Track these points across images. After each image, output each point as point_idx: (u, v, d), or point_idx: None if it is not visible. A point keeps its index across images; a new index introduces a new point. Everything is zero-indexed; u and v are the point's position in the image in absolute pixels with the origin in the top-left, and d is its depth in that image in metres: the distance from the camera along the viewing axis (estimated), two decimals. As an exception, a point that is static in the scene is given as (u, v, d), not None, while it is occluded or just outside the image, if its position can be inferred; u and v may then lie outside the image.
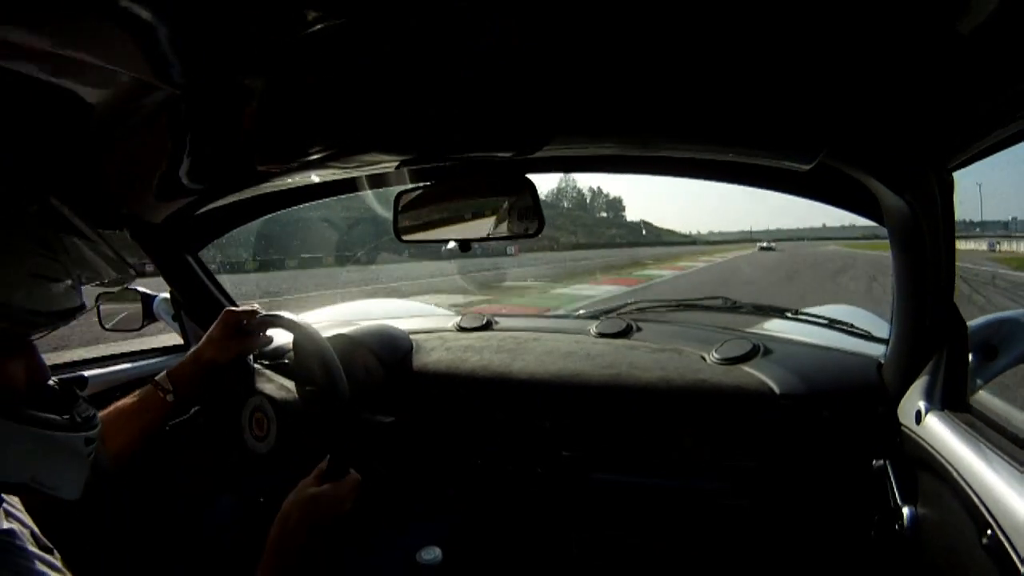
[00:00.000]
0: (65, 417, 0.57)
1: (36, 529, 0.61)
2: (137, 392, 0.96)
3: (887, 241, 0.82)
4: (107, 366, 1.24)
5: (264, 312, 1.09)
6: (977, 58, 0.50)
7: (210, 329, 1.03)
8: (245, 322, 1.04)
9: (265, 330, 1.08)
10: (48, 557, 0.57)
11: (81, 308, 0.58)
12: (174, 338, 1.43)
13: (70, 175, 0.92)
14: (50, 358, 0.63)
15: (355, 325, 1.35)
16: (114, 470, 0.89)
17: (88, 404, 0.61)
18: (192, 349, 1.02)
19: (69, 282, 0.57)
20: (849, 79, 0.56)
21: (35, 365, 0.58)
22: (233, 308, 1.05)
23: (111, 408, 0.93)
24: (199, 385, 1.00)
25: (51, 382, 0.60)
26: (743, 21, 0.49)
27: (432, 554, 0.94)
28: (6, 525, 0.56)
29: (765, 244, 63.38)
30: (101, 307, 1.40)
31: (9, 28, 0.51)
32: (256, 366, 1.13)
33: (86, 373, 1.18)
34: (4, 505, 0.59)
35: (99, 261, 0.61)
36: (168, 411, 0.96)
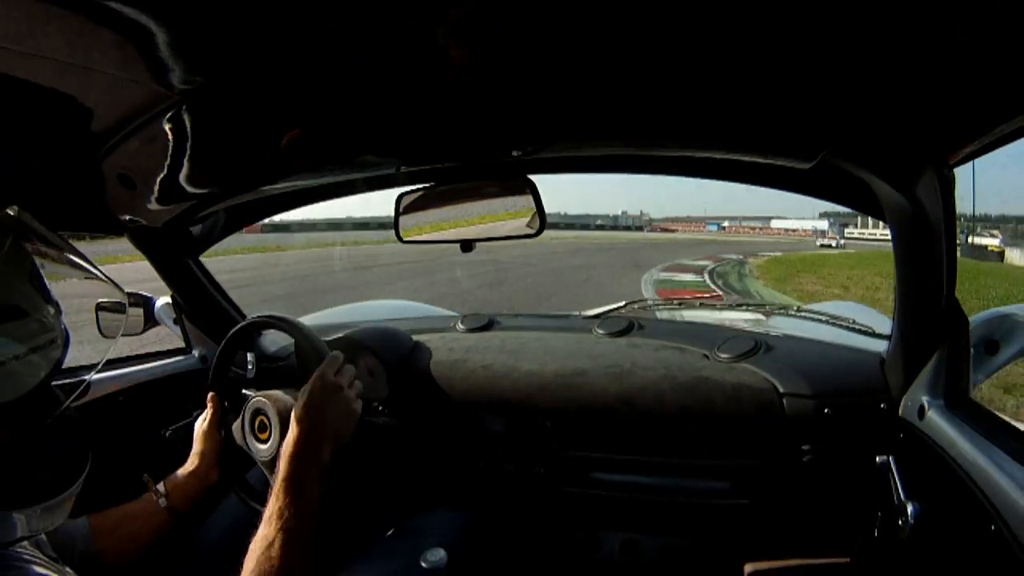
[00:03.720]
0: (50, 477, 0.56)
1: (43, 537, 0.61)
2: (136, 503, 0.95)
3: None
4: (108, 370, 1.24)
5: (264, 314, 1.09)
6: (977, 54, 0.50)
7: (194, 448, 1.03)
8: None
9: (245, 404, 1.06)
10: (57, 566, 0.57)
11: (66, 344, 0.58)
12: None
13: (70, 181, 0.92)
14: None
15: (357, 326, 1.35)
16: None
17: (72, 428, 0.61)
18: (191, 469, 1.01)
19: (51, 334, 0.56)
20: (850, 78, 0.56)
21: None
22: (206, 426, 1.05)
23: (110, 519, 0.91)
24: (199, 498, 1.01)
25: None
26: (744, 21, 0.49)
27: (437, 556, 0.93)
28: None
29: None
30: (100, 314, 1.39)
31: (10, 34, 0.51)
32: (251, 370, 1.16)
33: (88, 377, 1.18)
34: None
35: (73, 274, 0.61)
36: (166, 522, 0.95)
